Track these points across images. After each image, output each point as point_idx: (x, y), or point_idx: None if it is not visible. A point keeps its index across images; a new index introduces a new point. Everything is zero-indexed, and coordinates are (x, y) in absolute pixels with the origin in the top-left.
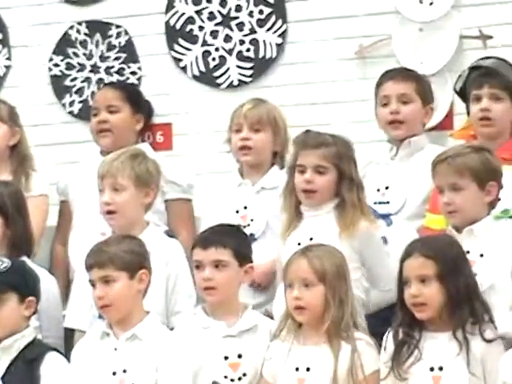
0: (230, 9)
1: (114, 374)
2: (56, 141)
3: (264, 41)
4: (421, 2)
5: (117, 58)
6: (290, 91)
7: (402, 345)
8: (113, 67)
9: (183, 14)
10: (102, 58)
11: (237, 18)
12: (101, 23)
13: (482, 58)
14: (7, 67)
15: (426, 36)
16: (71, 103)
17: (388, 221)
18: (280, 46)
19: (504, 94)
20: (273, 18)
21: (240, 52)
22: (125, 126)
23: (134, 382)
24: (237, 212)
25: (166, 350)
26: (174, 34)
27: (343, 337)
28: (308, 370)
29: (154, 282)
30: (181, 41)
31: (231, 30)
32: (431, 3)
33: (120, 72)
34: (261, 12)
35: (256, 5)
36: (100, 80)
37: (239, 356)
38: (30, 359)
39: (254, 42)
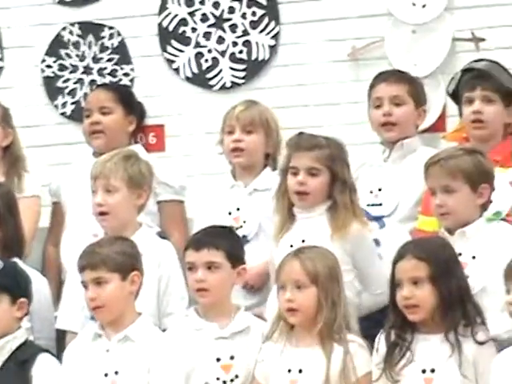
0: (223, 10)
1: (106, 375)
2: (48, 142)
3: (257, 42)
4: (414, 4)
5: (109, 60)
6: (282, 93)
7: (394, 347)
8: (105, 68)
9: (176, 15)
10: (95, 60)
11: (230, 19)
12: (93, 24)
13: (475, 61)
14: (0, 68)
15: (419, 38)
16: (64, 104)
17: (381, 223)
18: (273, 48)
19: (496, 96)
20: (266, 20)
21: (233, 54)
22: (117, 128)
23: None
24: (229, 214)
25: (158, 352)
26: (166, 36)
27: (336, 339)
28: (300, 371)
29: (146, 283)
30: (173, 42)
31: (224, 31)
32: (424, 5)
33: (113, 73)
34: (254, 14)
35: (249, 7)
36: (93, 81)
37: (231, 358)
38: (21, 360)
39: (247, 43)
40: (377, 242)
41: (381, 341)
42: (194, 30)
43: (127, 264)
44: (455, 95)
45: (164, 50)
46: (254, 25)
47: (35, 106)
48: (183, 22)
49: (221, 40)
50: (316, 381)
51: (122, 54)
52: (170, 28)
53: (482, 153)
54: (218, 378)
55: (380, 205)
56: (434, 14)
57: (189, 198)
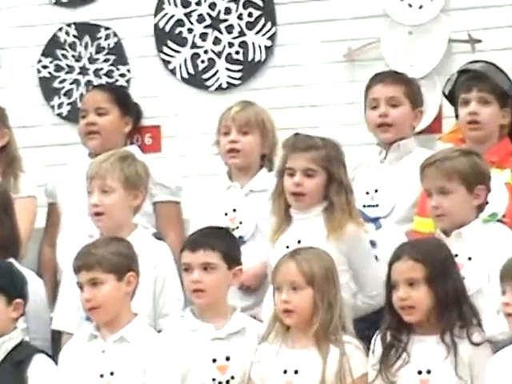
0: (220, 11)
1: (102, 376)
2: (44, 143)
3: (253, 43)
4: (410, 5)
5: (106, 60)
6: (278, 94)
7: (390, 348)
8: (102, 69)
9: (172, 16)
10: (91, 60)
11: (226, 20)
12: (90, 25)
13: (471, 62)
14: None
15: (415, 39)
16: (60, 105)
17: (377, 224)
18: (269, 49)
19: (492, 97)
20: (262, 21)
21: (229, 54)
22: (113, 129)
23: None
24: (225, 214)
25: (154, 353)
26: (163, 37)
27: (332, 340)
28: (296, 372)
29: (141, 284)
30: (170, 43)
31: (220, 32)
32: (420, 7)
33: (109, 74)
34: (250, 15)
35: (245, 7)
36: (89, 82)
37: (227, 359)
38: (17, 361)
39: (243, 44)
40: (373, 244)
41: (377, 342)
42: (190, 30)
43: (123, 265)
44: (451, 96)
45: (160, 50)
46: (251, 26)
47: (31, 107)
48: (179, 22)
49: (217, 41)
50: (312, 382)
51: (118, 54)
52: (167, 29)
53: (478, 154)
54: (213, 379)
55: (376, 206)
56: (431, 16)
57: (185, 198)
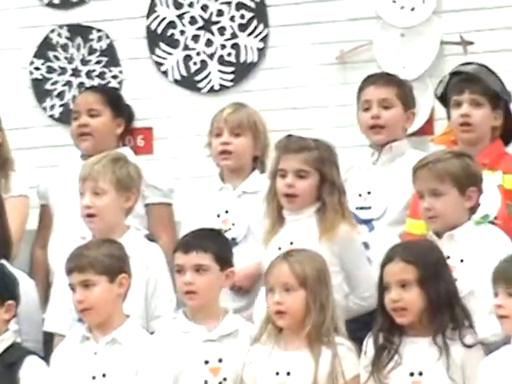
0: (212, 13)
1: (94, 378)
2: (37, 144)
3: (245, 45)
4: (402, 7)
5: (98, 62)
6: (271, 96)
7: (382, 349)
8: (94, 71)
9: (164, 18)
10: (83, 62)
11: (218, 22)
12: (82, 27)
13: (463, 64)
14: None
15: (407, 41)
16: (52, 107)
17: (370, 226)
18: (261, 51)
19: (484, 99)
20: (254, 23)
21: (221, 56)
22: (105, 130)
23: None
24: (218, 216)
25: (146, 354)
26: (155, 38)
27: (324, 341)
28: (288, 374)
29: (133, 286)
30: (162, 45)
31: (212, 34)
32: (412, 9)
33: (101, 76)
34: (242, 17)
35: (237, 9)
36: (81, 84)
37: (220, 360)
38: (9, 363)
39: (236, 46)
40: (366, 246)
41: (369, 344)
42: (182, 32)
43: (115, 266)
44: (443, 98)
45: (152, 52)
46: (243, 28)
47: (23, 108)
48: (172, 24)
49: (209, 43)
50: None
51: (110, 56)
52: (159, 31)
53: (470, 156)
54: (206, 381)
55: (369, 208)
56: (423, 18)
57: (177, 200)
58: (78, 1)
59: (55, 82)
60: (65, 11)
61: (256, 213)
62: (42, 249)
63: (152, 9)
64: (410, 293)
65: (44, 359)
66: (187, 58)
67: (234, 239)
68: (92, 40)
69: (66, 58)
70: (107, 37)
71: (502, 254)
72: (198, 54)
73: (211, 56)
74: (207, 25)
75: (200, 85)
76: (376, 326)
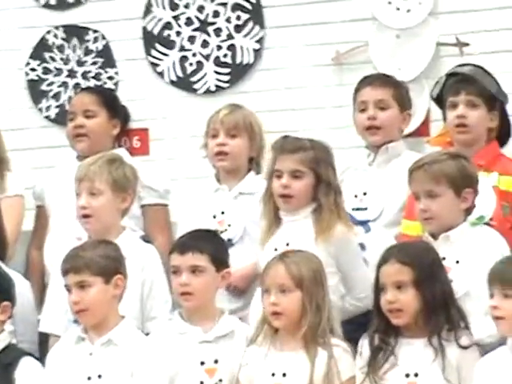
0: (208, 14)
1: (89, 378)
2: (32, 145)
3: (241, 46)
4: (398, 8)
5: (94, 63)
6: (267, 97)
7: (378, 351)
8: (90, 72)
9: (161, 19)
10: (79, 63)
11: (214, 23)
12: (78, 28)
13: (459, 65)
14: None
15: (403, 43)
16: (48, 108)
17: (366, 227)
18: (257, 52)
19: (480, 100)
20: (250, 24)
21: (217, 57)
22: (101, 131)
23: None
24: (214, 217)
25: (142, 356)
26: (151, 39)
27: (320, 343)
28: (284, 375)
29: (129, 287)
30: (158, 46)
31: (208, 35)
32: (408, 10)
33: (97, 77)
34: (238, 18)
35: (233, 11)
36: (77, 85)
37: (215, 361)
38: (4, 364)
39: (232, 47)
40: (362, 247)
41: (364, 345)
42: (178, 33)
43: (111, 267)
44: (439, 100)
45: (148, 53)
46: (239, 29)
47: (19, 109)
48: (168, 25)
49: (205, 44)
50: None
51: (106, 57)
52: (155, 32)
53: (466, 157)
54: (202, 382)
55: (365, 209)
56: (419, 19)
57: (173, 201)
58: (74, 2)
59: (51, 83)
60: (61, 12)
61: (252, 214)
62: (38, 250)
63: (148, 10)
64: (405, 294)
65: (39, 360)
66: (183, 59)
67: (230, 240)
68: (88, 41)
69: (61, 58)
70: (103, 38)
71: (498, 255)
72: (194, 55)
73: (207, 57)
74: (203, 26)
75: (196, 86)
76: (372, 327)
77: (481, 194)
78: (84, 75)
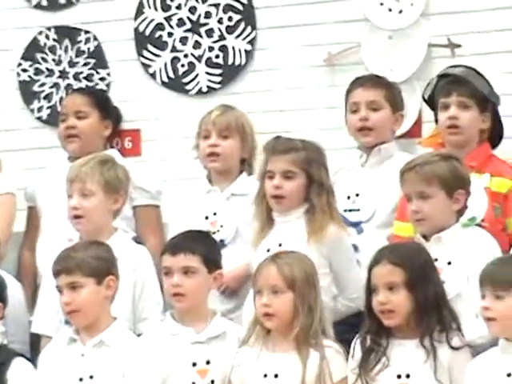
0: (200, 15)
1: (81, 380)
2: (24, 146)
3: (233, 47)
4: (390, 9)
5: (86, 64)
6: (258, 98)
7: (370, 352)
8: (81, 73)
9: (152, 20)
10: (71, 64)
11: (206, 24)
12: (70, 29)
13: (451, 66)
14: None
15: (395, 44)
16: (39, 109)
17: (359, 229)
18: (249, 53)
19: (472, 102)
20: (242, 25)
21: (209, 58)
22: (93, 132)
23: None
24: (206, 218)
25: (134, 357)
26: (143, 40)
27: (312, 344)
28: (276, 376)
29: (121, 288)
30: (150, 47)
31: (200, 36)
32: (400, 11)
33: (89, 78)
34: (230, 19)
35: (225, 12)
36: (69, 86)
37: (207, 362)
38: None
39: (223, 48)
40: (355, 248)
41: (356, 346)
42: (170, 34)
43: (102, 268)
44: (431, 101)
45: (140, 54)
46: (231, 30)
47: (11, 110)
48: (159, 26)
49: (197, 45)
50: None
51: (98, 58)
52: (147, 33)
53: (457, 158)
54: (193, 383)
55: (357, 210)
56: (411, 20)
57: (164, 202)
58: (66, 3)
59: (43, 84)
60: (53, 13)
61: (244, 215)
62: (30, 251)
63: (140, 11)
64: (397, 295)
65: (31, 361)
66: (175, 60)
67: (222, 241)
68: (80, 42)
69: (53, 59)
70: (95, 39)
71: (489, 256)
72: (185, 56)
73: (199, 58)
74: (195, 27)
75: (188, 87)
76: (363, 329)
77: (472, 195)
78: (76, 76)
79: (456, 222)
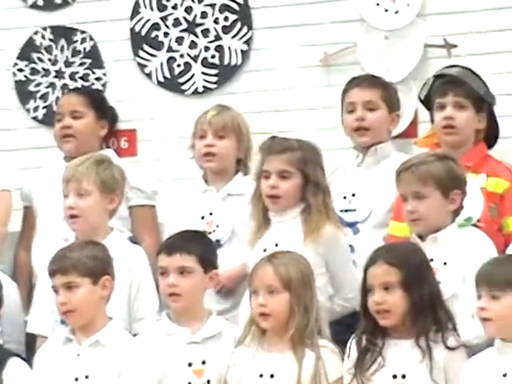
0: (196, 15)
1: (77, 379)
2: (20, 146)
3: (229, 47)
4: (386, 10)
5: (81, 64)
6: (255, 98)
7: (366, 352)
8: (77, 73)
9: (148, 20)
10: (67, 64)
11: (202, 24)
12: (66, 29)
13: (447, 67)
14: None
15: (391, 44)
16: (35, 108)
17: (355, 229)
18: (245, 53)
19: (468, 102)
20: (238, 25)
21: (205, 58)
22: (88, 132)
23: None
24: (202, 218)
25: (130, 357)
26: (139, 40)
27: (307, 344)
28: (272, 376)
29: (117, 288)
30: (146, 47)
31: (196, 36)
32: (396, 11)
33: (85, 78)
34: (226, 19)
35: (221, 12)
36: (64, 85)
37: (203, 362)
38: None
39: (219, 48)
40: (351, 248)
41: (352, 346)
42: (166, 34)
43: (98, 268)
44: (427, 101)
45: (136, 54)
46: (227, 30)
47: (7, 110)
48: (155, 26)
49: (193, 45)
50: None
51: (94, 58)
52: (143, 32)
53: (453, 159)
54: (189, 383)
55: (354, 210)
56: (407, 21)
57: (160, 202)
58: (62, 2)
59: (39, 84)
60: (49, 13)
61: (240, 215)
62: (26, 251)
63: (136, 11)
64: (393, 295)
65: (26, 361)
66: (171, 60)
67: (218, 241)
68: (76, 42)
69: (49, 59)
70: (91, 39)
71: (485, 256)
72: (181, 56)
73: (195, 58)
74: (191, 27)
75: (184, 87)
76: (359, 329)
77: (468, 195)
78: (72, 76)
79: (452, 223)
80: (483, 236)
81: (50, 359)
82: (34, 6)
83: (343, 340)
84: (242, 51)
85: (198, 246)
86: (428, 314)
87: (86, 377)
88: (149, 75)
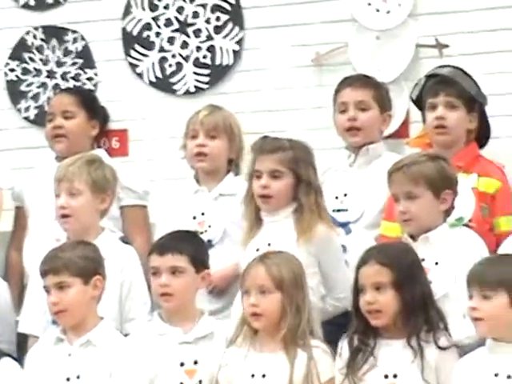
0: (187, 15)
1: (68, 379)
2: (11, 146)
3: (221, 47)
4: (377, 10)
5: (73, 64)
6: (246, 98)
7: (357, 352)
8: (69, 73)
9: (140, 20)
10: (59, 64)
11: (194, 24)
12: (57, 28)
13: (439, 67)
14: None
15: (383, 44)
16: (27, 108)
17: (347, 229)
18: (237, 53)
19: (459, 102)
20: (230, 25)
21: (197, 58)
22: (80, 132)
23: None
24: (194, 218)
25: (121, 356)
26: (130, 40)
27: (299, 344)
28: (264, 376)
29: (108, 288)
30: (137, 47)
31: (188, 36)
32: (388, 11)
33: (76, 77)
34: (218, 19)
35: (213, 12)
36: (56, 85)
37: (195, 362)
38: None
39: (211, 48)
40: (344, 249)
41: (344, 346)
42: (157, 34)
43: (89, 268)
44: (419, 101)
45: (128, 54)
46: (218, 30)
47: None
48: (147, 26)
49: (185, 45)
50: None
51: (85, 58)
52: (134, 32)
53: (445, 159)
54: (181, 383)
55: (346, 210)
56: (398, 21)
57: (152, 202)
58: (54, 2)
59: (30, 84)
60: (40, 13)
61: (232, 215)
62: (17, 251)
63: (127, 10)
64: (384, 295)
65: (18, 361)
66: (163, 60)
67: (210, 241)
68: (67, 42)
69: (41, 59)
70: (82, 38)
71: (477, 256)
72: (173, 56)
73: (187, 58)
74: (183, 27)
75: (175, 87)
76: (351, 329)
77: (460, 195)
78: (63, 76)
79: (443, 222)
80: (475, 236)
81: (41, 359)
82: (26, 5)
83: (335, 340)
84: (233, 51)
85: (190, 246)
86: (419, 314)
87: (78, 377)
88: (140, 75)
